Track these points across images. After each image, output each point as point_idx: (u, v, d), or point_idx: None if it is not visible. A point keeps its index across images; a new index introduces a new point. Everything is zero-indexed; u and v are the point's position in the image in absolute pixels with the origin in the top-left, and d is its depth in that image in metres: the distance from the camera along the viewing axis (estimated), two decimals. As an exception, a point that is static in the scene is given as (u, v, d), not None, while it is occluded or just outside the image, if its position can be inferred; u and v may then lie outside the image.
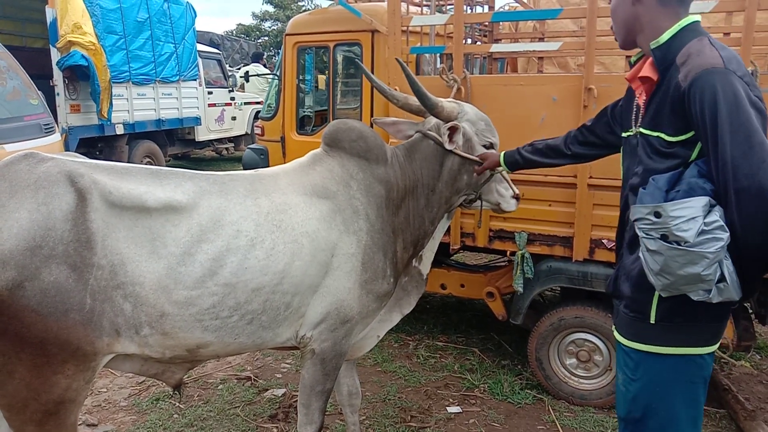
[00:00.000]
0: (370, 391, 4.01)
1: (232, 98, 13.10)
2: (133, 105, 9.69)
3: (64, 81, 8.24)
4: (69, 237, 1.99)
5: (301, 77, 4.61)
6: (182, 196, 2.25)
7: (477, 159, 2.73)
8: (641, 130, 1.92)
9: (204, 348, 2.34)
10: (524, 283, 3.71)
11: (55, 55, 8.06)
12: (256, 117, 13.68)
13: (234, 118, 13.38)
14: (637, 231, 1.77)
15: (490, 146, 2.81)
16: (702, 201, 1.64)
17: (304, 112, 4.79)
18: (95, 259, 2.06)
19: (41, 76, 8.21)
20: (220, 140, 13.05)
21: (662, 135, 1.82)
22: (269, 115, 4.90)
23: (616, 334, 2.03)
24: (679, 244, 1.62)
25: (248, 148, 5.32)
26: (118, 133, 9.42)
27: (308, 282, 2.43)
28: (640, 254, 1.79)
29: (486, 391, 4.00)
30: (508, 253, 3.83)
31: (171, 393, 4.03)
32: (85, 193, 2.05)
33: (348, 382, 3.11)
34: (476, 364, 4.35)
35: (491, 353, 4.55)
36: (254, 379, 4.23)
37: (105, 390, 4.12)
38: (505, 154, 2.66)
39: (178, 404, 3.91)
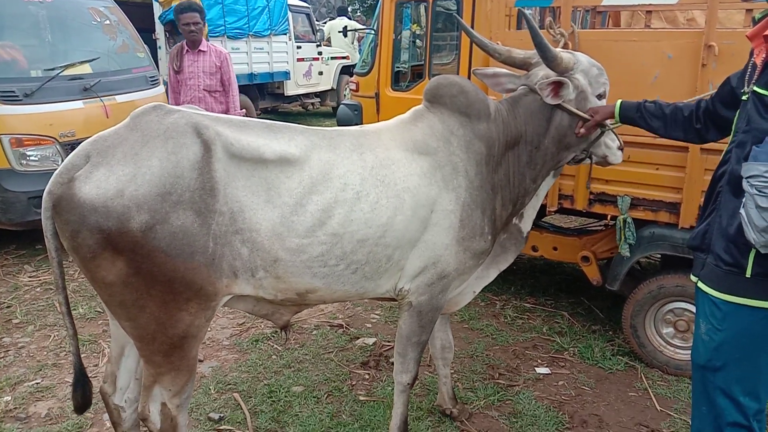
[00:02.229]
0: (458, 347, 4.06)
1: (320, 53, 13.18)
2: (228, 59, 9.95)
3: (166, 35, 8.57)
4: (195, 185, 2.12)
5: (398, 32, 4.57)
6: (295, 149, 2.33)
7: (586, 116, 2.63)
8: (755, 88, 1.92)
9: (312, 293, 2.45)
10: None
11: (157, 10, 8.37)
12: (343, 72, 13.80)
13: (321, 73, 13.48)
14: (747, 188, 1.83)
15: (604, 94, 2.72)
16: None
17: (399, 67, 4.77)
18: (217, 206, 2.18)
19: (144, 30, 8.57)
20: (307, 95, 13.21)
21: None
22: (364, 71, 4.92)
23: (701, 285, 2.12)
24: None
25: (342, 103, 5.37)
26: (214, 86, 9.73)
27: (408, 236, 2.48)
28: (741, 211, 1.87)
29: (576, 355, 3.97)
30: (609, 217, 3.72)
31: (269, 335, 4.27)
32: (210, 143, 2.16)
33: (442, 336, 3.18)
34: (565, 327, 4.31)
35: (581, 318, 4.48)
36: (346, 327, 4.39)
37: (209, 329, 4.40)
38: (622, 105, 2.53)
39: (276, 346, 4.13)
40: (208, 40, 8.93)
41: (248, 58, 10.53)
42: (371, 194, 2.39)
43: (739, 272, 1.97)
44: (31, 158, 5.31)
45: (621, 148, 2.81)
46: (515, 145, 2.71)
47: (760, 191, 1.78)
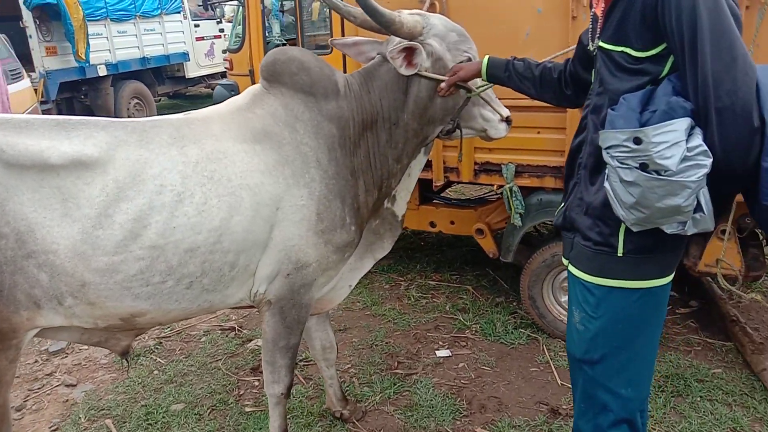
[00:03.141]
0: (357, 337, 3.83)
1: (221, 30, 12.49)
2: (114, 44, 9.24)
3: (35, 22, 7.80)
4: None
5: (265, 2, 4.18)
6: (93, 149, 1.96)
7: (448, 79, 2.36)
8: (601, 44, 1.68)
9: (140, 317, 2.12)
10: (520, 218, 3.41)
11: (21, -6, 7.60)
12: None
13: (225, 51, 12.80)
14: (608, 159, 1.58)
15: (468, 61, 2.43)
16: (685, 123, 1.45)
17: (272, 40, 4.38)
18: None
19: (12, 18, 7.77)
20: (212, 75, 12.54)
21: (628, 50, 1.58)
22: (236, 47, 4.50)
23: (572, 268, 1.87)
24: (659, 174, 1.46)
25: (219, 84, 4.95)
26: (100, 74, 9.03)
27: (253, 238, 2.17)
28: (606, 185, 1.62)
29: (478, 332, 3.80)
30: (495, 187, 3.52)
31: (153, 347, 3.91)
32: None
33: (321, 336, 2.90)
34: (469, 303, 4.13)
35: (485, 291, 4.32)
36: (238, 330, 4.07)
37: (86, 348, 3.98)
38: (489, 61, 2.23)
39: (159, 360, 3.77)
40: (87, 25, 8.28)
41: (138, 41, 9.81)
42: (196, 194, 2.05)
43: (610, 251, 1.73)
44: None
45: (506, 120, 2.52)
46: (373, 124, 2.41)
47: (622, 163, 1.53)
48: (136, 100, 9.89)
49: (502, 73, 2.22)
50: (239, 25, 4.69)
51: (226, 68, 4.85)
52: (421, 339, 3.77)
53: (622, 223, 1.67)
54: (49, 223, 1.90)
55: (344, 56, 3.71)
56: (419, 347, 3.68)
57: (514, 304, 4.06)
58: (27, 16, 7.69)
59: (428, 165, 3.66)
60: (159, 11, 10.14)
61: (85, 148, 1.95)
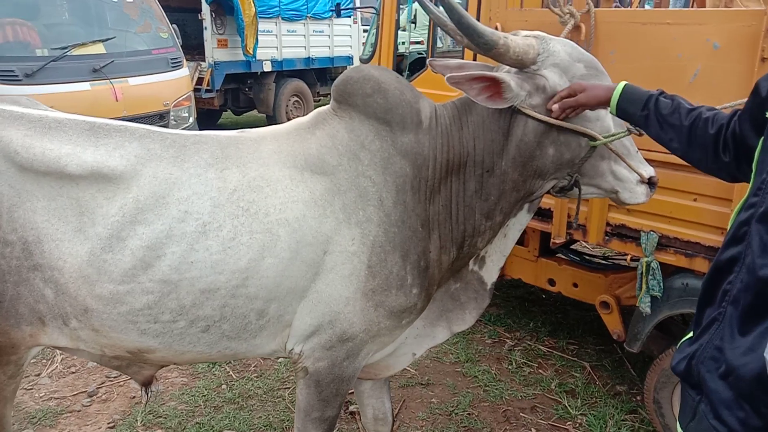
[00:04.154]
0: (438, 397, 3.34)
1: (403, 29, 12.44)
2: (282, 42, 9.54)
3: (212, 15, 8.25)
4: None
5: (402, 10, 3.84)
6: (119, 161, 1.72)
7: (566, 125, 1.82)
8: None
9: (150, 353, 1.85)
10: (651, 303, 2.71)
11: (203, -11, 8.08)
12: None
13: (392, 59, 12.80)
14: None
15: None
16: None
17: (402, 53, 4.02)
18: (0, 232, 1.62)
19: (190, 10, 8.30)
20: (374, 81, 12.56)
21: None
22: (367, 57, 4.22)
23: None
24: None
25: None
26: (265, 70, 9.37)
27: (288, 285, 1.81)
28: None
29: (582, 427, 3.11)
30: (629, 258, 2.84)
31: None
32: None
33: (375, 405, 2.47)
34: (581, 385, 3.44)
35: (605, 373, 3.58)
36: (317, 358, 3.76)
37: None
38: (626, 89, 1.65)
39: (232, 373, 3.59)
40: (258, 21, 8.61)
41: (306, 41, 10.06)
42: (225, 227, 1.73)
43: None
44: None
45: (650, 182, 1.93)
46: (460, 167, 1.94)
47: None
48: (295, 98, 10.16)
49: (638, 111, 1.63)
50: (373, 34, 4.40)
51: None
52: (511, 419, 3.18)
53: None
54: (60, 236, 1.69)
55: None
56: (506, 429, 3.10)
57: (638, 399, 3.29)
58: (205, 9, 8.18)
59: (548, 214, 3.06)
60: (330, 14, 10.33)
61: (110, 159, 1.71)
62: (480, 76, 1.75)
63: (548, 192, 2.03)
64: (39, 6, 5.51)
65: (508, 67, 1.88)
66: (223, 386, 3.48)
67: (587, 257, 3.68)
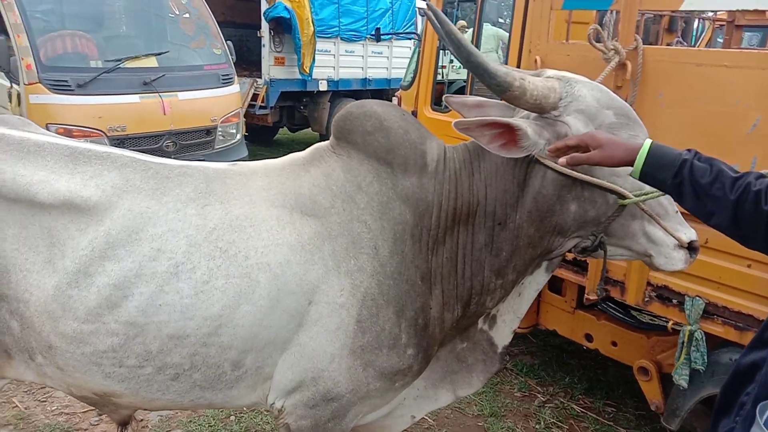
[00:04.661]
0: (453, 454, 3.09)
1: (451, 60, 12.31)
2: (339, 62, 9.53)
3: (271, 33, 8.32)
4: None
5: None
6: (93, 191, 1.61)
7: (591, 180, 1.60)
8: None
9: (117, 398, 1.72)
10: (690, 377, 2.40)
11: (263, 6, 8.15)
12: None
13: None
14: None
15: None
16: None
17: (442, 81, 3.85)
18: None
19: (251, 26, 8.40)
20: (432, 104, 12.44)
21: None
22: (407, 83, 4.07)
23: None
24: None
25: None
26: (321, 89, 9.36)
27: (267, 336, 1.65)
28: None
29: (609, 506, 2.79)
30: (670, 324, 2.53)
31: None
32: None
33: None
34: (613, 455, 3.11)
35: (643, 443, 3.24)
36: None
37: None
38: (652, 148, 1.39)
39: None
40: (316, 41, 8.63)
41: (363, 62, 10.02)
42: (199, 269, 1.59)
43: None
44: (78, 150, 5.17)
45: (692, 247, 1.67)
46: (469, 217, 1.74)
47: None
48: (349, 118, 10.10)
49: (669, 178, 1.36)
50: (414, 61, 4.25)
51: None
52: (529, 487, 2.89)
53: None
54: (30, 267, 1.59)
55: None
56: (522, 499, 2.82)
57: (677, 478, 2.94)
58: (264, 27, 8.25)
59: (583, 265, 2.79)
60: (390, 36, 10.27)
61: (84, 189, 1.60)
62: (492, 122, 1.55)
63: (570, 251, 1.79)
64: (101, 19, 5.67)
65: (527, 112, 1.68)
66: (232, 417, 3.35)
67: (631, 312, 3.36)
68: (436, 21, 1.54)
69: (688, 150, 1.37)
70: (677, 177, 1.35)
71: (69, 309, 1.57)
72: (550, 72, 1.67)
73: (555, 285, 3.32)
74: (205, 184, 1.69)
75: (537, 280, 1.90)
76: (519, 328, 3.50)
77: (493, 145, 1.57)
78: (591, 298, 2.74)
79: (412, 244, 1.71)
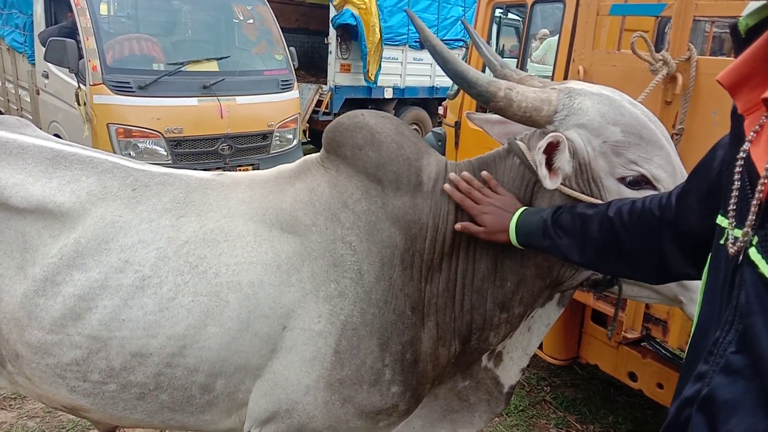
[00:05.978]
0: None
1: (525, 70, 11.93)
2: (406, 69, 9.42)
3: (338, 39, 8.31)
4: None
5: (494, 42, 3.46)
6: (68, 197, 1.55)
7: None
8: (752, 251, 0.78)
9: (85, 412, 1.66)
10: None
11: (331, 13, 8.16)
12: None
13: (520, 93, 12.20)
14: None
15: (642, 181, 1.41)
16: None
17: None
18: None
19: (321, 33, 8.44)
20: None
21: None
22: (453, 92, 3.89)
23: None
24: None
25: (431, 131, 4.39)
26: (386, 96, 9.29)
27: (237, 361, 1.54)
28: None
29: None
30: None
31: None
32: None
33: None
34: None
35: (690, 500, 2.88)
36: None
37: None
38: (521, 218, 1.41)
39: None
40: (382, 48, 8.56)
41: (432, 70, 9.86)
42: (166, 284, 1.50)
43: None
44: (136, 150, 5.32)
45: None
46: (470, 242, 1.56)
47: None
48: (414, 126, 9.97)
49: (541, 241, 1.36)
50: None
51: (440, 115, 4.29)
52: None
53: None
54: (3, 272, 1.56)
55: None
56: None
57: None
58: (331, 34, 8.26)
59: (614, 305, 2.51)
60: (460, 44, 10.05)
61: (59, 195, 1.55)
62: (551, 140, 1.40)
63: (581, 286, 1.58)
64: (168, 23, 5.83)
65: (536, 130, 1.49)
66: None
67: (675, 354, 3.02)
68: (415, 26, 1.41)
69: (552, 207, 1.37)
70: (545, 239, 1.33)
71: (35, 318, 1.52)
72: (556, 83, 1.48)
73: (600, 316, 3.04)
74: (184, 194, 1.60)
75: (548, 314, 1.69)
76: (557, 359, 3.26)
77: (546, 173, 1.40)
78: (629, 336, 2.46)
79: (402, 269, 1.55)
